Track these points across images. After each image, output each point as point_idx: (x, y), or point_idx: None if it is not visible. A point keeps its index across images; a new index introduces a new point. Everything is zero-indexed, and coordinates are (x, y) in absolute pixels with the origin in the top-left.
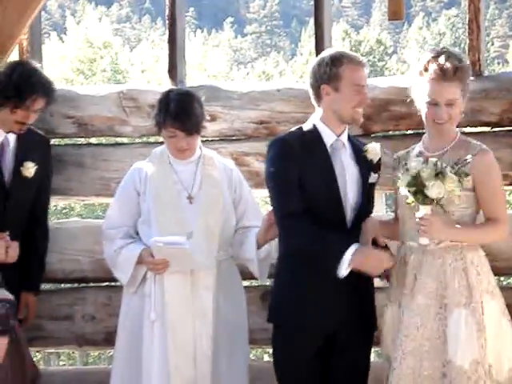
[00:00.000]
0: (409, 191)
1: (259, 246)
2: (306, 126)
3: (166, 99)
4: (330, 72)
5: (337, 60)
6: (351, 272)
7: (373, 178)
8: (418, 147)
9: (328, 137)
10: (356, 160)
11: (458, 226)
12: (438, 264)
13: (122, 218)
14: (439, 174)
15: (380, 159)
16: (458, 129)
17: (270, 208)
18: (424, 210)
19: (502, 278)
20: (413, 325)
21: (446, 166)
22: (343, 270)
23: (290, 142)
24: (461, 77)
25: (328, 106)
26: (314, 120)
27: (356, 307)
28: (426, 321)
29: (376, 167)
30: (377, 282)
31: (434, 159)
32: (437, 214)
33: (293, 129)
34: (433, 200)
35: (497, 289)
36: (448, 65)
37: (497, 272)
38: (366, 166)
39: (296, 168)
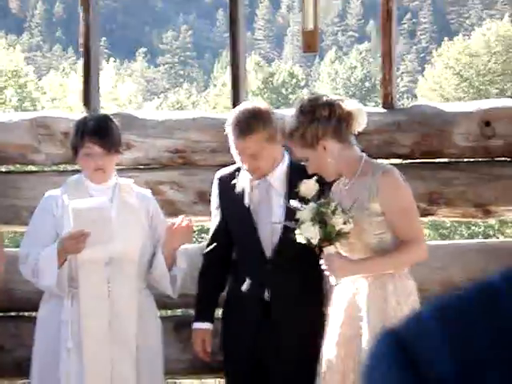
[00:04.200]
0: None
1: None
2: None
3: (84, 120)
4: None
5: (228, 120)
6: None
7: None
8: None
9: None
10: (289, 196)
11: (362, 257)
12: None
13: (38, 242)
14: (316, 217)
15: (323, 190)
16: (362, 153)
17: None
18: (329, 250)
19: None
20: (338, 357)
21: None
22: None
23: (221, 179)
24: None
25: None
26: None
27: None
28: (350, 352)
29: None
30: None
31: (314, 205)
32: (339, 253)
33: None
34: (329, 239)
35: None
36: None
37: None
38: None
39: (220, 207)
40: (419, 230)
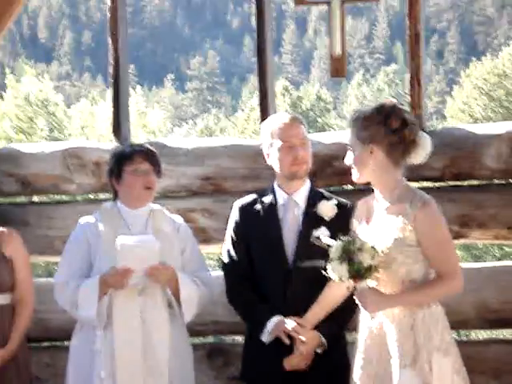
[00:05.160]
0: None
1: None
2: (269, 189)
3: (127, 147)
4: (266, 133)
5: (268, 121)
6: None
7: (319, 232)
8: (374, 197)
9: (280, 195)
10: (307, 216)
11: (394, 292)
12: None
13: (73, 271)
14: (342, 255)
15: (342, 213)
16: (403, 179)
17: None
18: (362, 285)
19: None
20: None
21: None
22: (264, 337)
23: (245, 204)
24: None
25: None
26: (275, 180)
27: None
28: (381, 380)
29: (333, 222)
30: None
31: (341, 242)
32: (373, 288)
33: (258, 192)
34: (360, 276)
35: (452, 346)
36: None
37: None
38: (317, 222)
39: (243, 231)
40: (456, 263)
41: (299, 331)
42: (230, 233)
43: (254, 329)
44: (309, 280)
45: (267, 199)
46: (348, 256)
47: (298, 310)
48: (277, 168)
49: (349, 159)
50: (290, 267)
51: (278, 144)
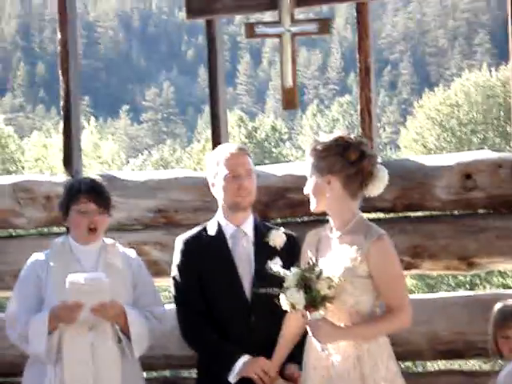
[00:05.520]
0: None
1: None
2: (211, 222)
3: (75, 183)
4: (212, 163)
5: (214, 151)
6: None
7: (274, 262)
8: (327, 228)
9: (227, 227)
10: (258, 246)
11: (347, 324)
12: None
13: (24, 306)
14: (300, 282)
15: (290, 243)
16: (359, 211)
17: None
18: (315, 315)
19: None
20: None
21: (305, 271)
22: (232, 378)
23: (189, 238)
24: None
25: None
26: (218, 213)
27: None
28: None
29: (283, 252)
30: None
31: (299, 270)
32: (325, 319)
33: (200, 226)
34: (314, 305)
35: (397, 376)
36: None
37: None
38: (269, 252)
39: (191, 265)
40: (406, 298)
41: (273, 371)
42: (176, 268)
43: (219, 369)
44: (269, 309)
45: (213, 231)
46: (305, 283)
47: (260, 340)
48: (220, 198)
49: (307, 188)
50: (249, 299)
51: (224, 173)
